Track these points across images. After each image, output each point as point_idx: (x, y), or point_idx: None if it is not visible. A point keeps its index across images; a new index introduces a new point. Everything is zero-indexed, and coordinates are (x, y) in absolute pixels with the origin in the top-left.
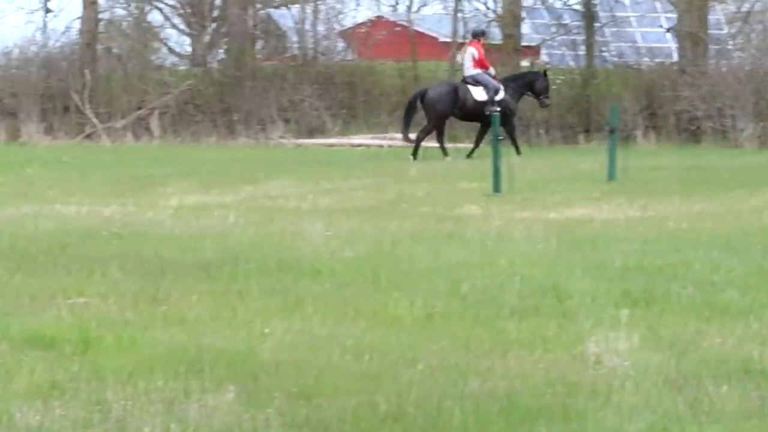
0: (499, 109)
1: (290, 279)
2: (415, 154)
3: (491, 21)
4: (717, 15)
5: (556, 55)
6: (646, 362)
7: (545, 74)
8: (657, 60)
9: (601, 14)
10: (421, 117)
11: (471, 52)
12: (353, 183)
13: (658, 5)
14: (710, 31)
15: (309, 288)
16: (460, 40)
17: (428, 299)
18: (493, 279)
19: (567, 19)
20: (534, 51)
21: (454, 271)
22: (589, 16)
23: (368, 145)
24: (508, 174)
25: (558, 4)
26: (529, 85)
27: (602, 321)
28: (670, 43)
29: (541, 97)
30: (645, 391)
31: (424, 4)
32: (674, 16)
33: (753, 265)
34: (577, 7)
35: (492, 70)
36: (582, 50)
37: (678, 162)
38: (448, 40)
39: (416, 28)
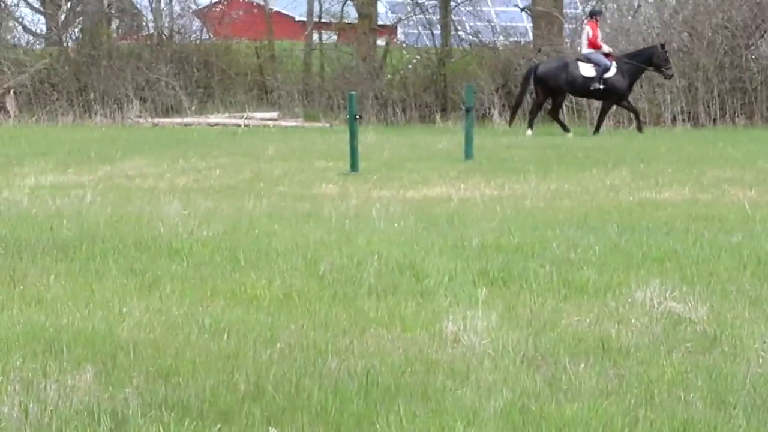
0: (602, 86)
1: (148, 259)
2: (563, 127)
3: (347, 0)
4: None
5: (412, 34)
6: (504, 340)
7: (663, 46)
8: (512, 39)
9: None
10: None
11: (587, 31)
12: (210, 162)
13: None
14: (565, 10)
15: (167, 268)
16: (315, 19)
17: (286, 278)
18: (351, 258)
19: None
20: (390, 30)
21: (312, 250)
22: None
23: (225, 124)
24: (365, 153)
25: None
26: (648, 60)
27: (460, 300)
28: (526, 22)
29: (663, 69)
30: (503, 369)
31: None
32: None
33: (609, 244)
34: None
35: (606, 48)
36: (438, 30)
37: (534, 141)
38: (303, 19)
39: (272, 7)
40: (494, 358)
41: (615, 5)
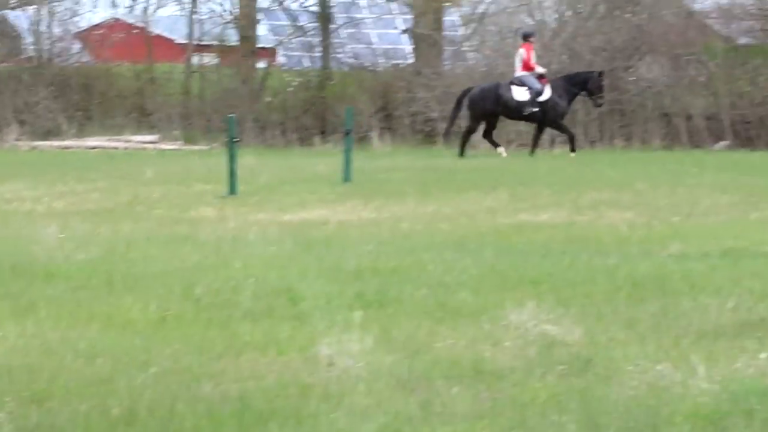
0: (536, 109)
1: (23, 282)
2: (495, 145)
3: (227, 23)
4: (452, 17)
5: (293, 56)
6: (378, 364)
7: (600, 74)
8: (393, 61)
9: (337, 16)
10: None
11: (520, 53)
12: (88, 185)
13: (393, 7)
14: (445, 33)
15: (42, 291)
16: (195, 42)
17: (162, 302)
18: (227, 281)
19: (303, 21)
20: (271, 53)
21: (189, 273)
22: (324, 17)
23: (104, 147)
24: (244, 176)
25: (294, 6)
26: (582, 84)
27: (336, 323)
28: (407, 45)
29: (594, 97)
30: (377, 393)
31: (161, 6)
32: (410, 17)
33: (486, 266)
34: (314, 8)
35: (539, 70)
36: (318, 52)
37: (413, 163)
38: (184, 41)
39: (153, 30)
40: (368, 381)
41: (495, 28)
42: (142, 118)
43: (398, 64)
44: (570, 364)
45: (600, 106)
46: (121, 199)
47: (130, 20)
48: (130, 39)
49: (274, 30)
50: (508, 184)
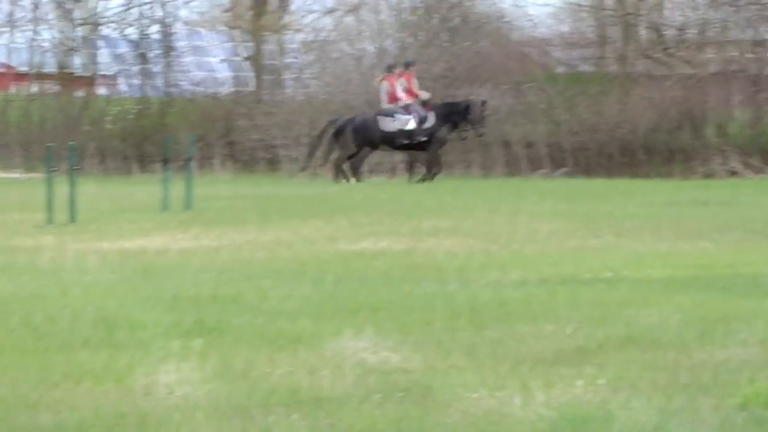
0: (424, 138)
1: None
2: (349, 178)
3: (47, 51)
4: (294, 44)
5: (135, 84)
6: (217, 392)
7: (483, 103)
8: (235, 89)
9: (179, 44)
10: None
11: (385, 86)
12: None
13: (235, 34)
14: (287, 60)
15: None
16: (35, 70)
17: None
18: (64, 309)
19: (145, 49)
20: (89, 81)
21: (27, 302)
22: (167, 45)
23: None
24: (82, 203)
25: (134, 34)
26: (464, 112)
27: (175, 351)
28: (248, 72)
29: (476, 126)
30: (216, 421)
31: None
32: (251, 45)
33: (326, 293)
34: (156, 36)
35: (424, 95)
36: (159, 79)
37: (255, 191)
38: (23, 69)
39: None
40: (207, 410)
41: (337, 54)
42: None
43: (240, 92)
44: (409, 391)
45: (481, 135)
46: None
47: None
48: None
49: (115, 57)
50: (348, 212)
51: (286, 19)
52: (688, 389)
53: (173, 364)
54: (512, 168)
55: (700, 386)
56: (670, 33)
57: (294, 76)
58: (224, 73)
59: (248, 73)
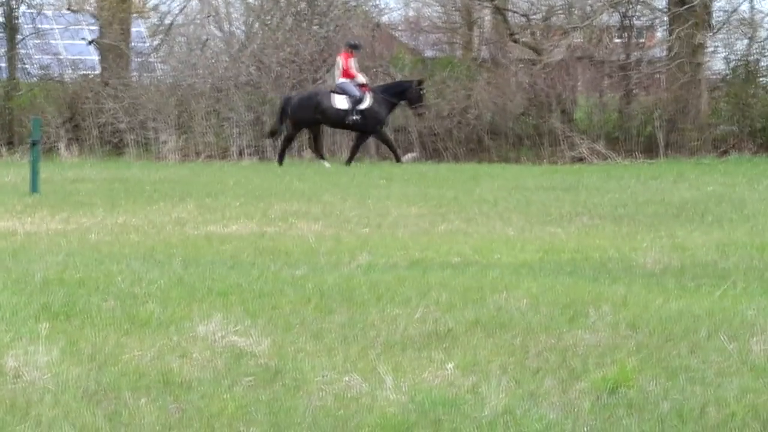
0: (356, 117)
1: None
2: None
3: None
4: (140, 28)
5: None
6: (66, 376)
7: (419, 83)
8: (80, 72)
9: (24, 26)
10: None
11: (338, 62)
12: None
13: (80, 17)
14: (133, 44)
15: None
16: None
17: None
18: None
19: None
20: None
21: None
22: (11, 28)
23: None
24: None
25: None
26: (401, 94)
27: (21, 335)
28: (94, 56)
29: (414, 106)
30: (64, 404)
31: None
32: (97, 28)
33: (174, 277)
34: None
35: (361, 79)
36: (3, 63)
37: (101, 174)
38: None
39: None
40: (55, 394)
41: (183, 38)
42: None
43: (86, 75)
44: (258, 375)
45: (421, 115)
46: None
47: None
48: None
49: None
50: (196, 196)
51: (134, 2)
52: (536, 373)
53: (20, 347)
54: (362, 153)
55: (548, 370)
56: (515, 19)
57: (141, 60)
58: (70, 56)
59: (95, 57)
